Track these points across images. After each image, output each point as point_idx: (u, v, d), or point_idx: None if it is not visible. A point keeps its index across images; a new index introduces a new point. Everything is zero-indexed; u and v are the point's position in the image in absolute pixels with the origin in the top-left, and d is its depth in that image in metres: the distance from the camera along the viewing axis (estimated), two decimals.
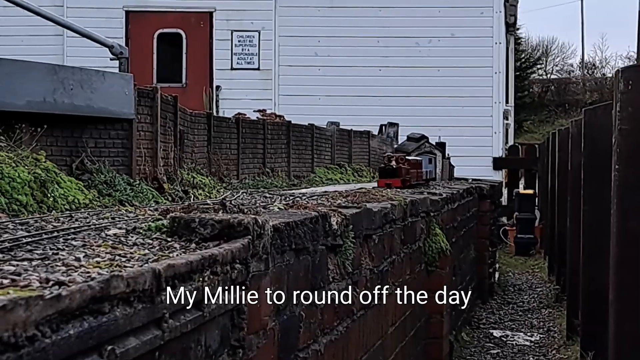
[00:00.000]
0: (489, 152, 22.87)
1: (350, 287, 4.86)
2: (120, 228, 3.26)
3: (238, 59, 23.37)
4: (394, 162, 7.66)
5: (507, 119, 25.04)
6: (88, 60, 16.65)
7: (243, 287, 3.00)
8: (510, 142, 26.60)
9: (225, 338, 2.91)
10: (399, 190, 8.53)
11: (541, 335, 11.93)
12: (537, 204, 21.65)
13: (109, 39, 14.87)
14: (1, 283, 2.00)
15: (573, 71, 48.77)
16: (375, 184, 10.44)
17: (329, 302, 4.42)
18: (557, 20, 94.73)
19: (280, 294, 3.54)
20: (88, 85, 6.35)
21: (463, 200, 11.75)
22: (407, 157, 7.78)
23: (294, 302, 3.79)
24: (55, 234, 3.03)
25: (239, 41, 23.41)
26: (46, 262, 2.35)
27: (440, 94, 22.50)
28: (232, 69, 23.17)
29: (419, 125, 20.05)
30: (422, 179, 8.23)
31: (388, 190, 9.35)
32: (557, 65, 49.83)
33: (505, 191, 22.77)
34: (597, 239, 7.52)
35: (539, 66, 47.64)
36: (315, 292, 4.17)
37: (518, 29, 28.63)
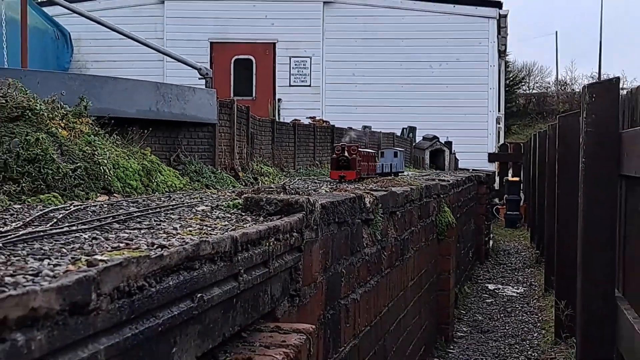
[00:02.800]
0: (485, 148, 22.80)
1: (379, 251, 4.86)
2: (206, 205, 3.27)
3: (294, 78, 23.42)
4: (347, 153, 5.77)
5: (499, 124, 24.94)
6: (182, 79, 16.73)
7: (299, 250, 3.01)
8: (501, 141, 26.49)
9: (286, 289, 2.92)
10: (417, 176, 8.46)
11: (525, 288, 11.89)
12: (521, 188, 21.54)
13: (198, 63, 14.92)
14: (118, 246, 2.02)
15: (549, 87, 48.41)
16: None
17: (363, 262, 4.42)
18: (537, 49, 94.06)
19: (326, 255, 3.55)
20: (182, 98, 6.40)
21: (465, 185, 11.73)
22: (359, 149, 6.02)
23: (337, 262, 3.79)
24: (158, 209, 3.05)
25: (295, 64, 23.45)
26: (151, 231, 2.37)
27: (448, 104, 22.47)
28: (290, 85, 23.22)
29: (432, 128, 20.12)
30: (376, 172, 6.49)
31: (407, 174, 9.35)
32: (537, 83, 49.50)
33: (497, 178, 22.69)
34: (567, 214, 7.49)
35: (523, 83, 47.36)
36: (353, 255, 4.17)
37: (507, 55, 28.36)
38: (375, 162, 6.32)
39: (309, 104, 21.91)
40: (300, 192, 3.77)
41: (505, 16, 24.05)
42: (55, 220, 2.59)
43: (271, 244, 2.64)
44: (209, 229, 2.47)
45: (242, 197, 3.24)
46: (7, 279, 1.51)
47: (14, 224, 2.48)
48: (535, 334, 8.73)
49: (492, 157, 22.99)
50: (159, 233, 2.31)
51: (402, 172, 7.21)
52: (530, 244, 17.05)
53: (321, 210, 3.33)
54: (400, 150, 7.12)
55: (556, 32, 71.89)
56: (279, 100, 21.82)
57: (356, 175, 5.73)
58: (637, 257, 4.39)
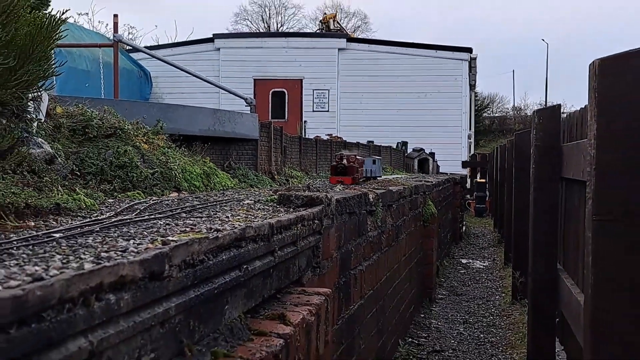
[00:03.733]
0: (459, 157, 22.82)
1: (380, 234, 4.87)
2: (250, 200, 3.29)
3: (316, 105, 23.48)
4: (345, 161, 5.41)
5: (470, 139, 24.87)
6: (233, 106, 16.77)
7: (319, 234, 3.02)
8: (472, 152, 26.40)
9: (309, 262, 2.93)
10: (400, 178, 8.46)
11: (489, 262, 11.85)
12: (487, 187, 21.46)
13: (245, 94, 14.96)
14: (185, 230, 2.03)
15: (508, 112, 48.25)
16: (392, 176, 10.36)
17: (367, 243, 4.43)
18: (499, 83, 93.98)
19: (340, 237, 3.55)
20: (233, 120, 6.44)
21: (444, 185, 11.70)
22: (357, 157, 5.62)
23: (348, 242, 3.80)
24: (215, 203, 3.06)
25: (317, 95, 23.52)
26: (210, 218, 2.39)
27: (431, 124, 22.56)
28: (313, 111, 23.28)
29: (419, 142, 20.11)
30: (363, 177, 5.89)
31: (401, 177, 9.43)
32: (498, 108, 49.35)
33: (469, 180, 22.61)
34: (521, 206, 7.46)
35: (488, 109, 47.22)
36: (360, 237, 4.18)
37: (476, 87, 28.25)
38: (363, 167, 5.80)
39: (327, 124, 21.97)
40: (320, 190, 3.78)
41: (474, 59, 24.05)
42: (138, 210, 2.61)
43: (298, 228, 2.65)
44: (253, 217, 2.49)
45: (277, 194, 3.25)
46: (102, 254, 1.53)
47: (107, 213, 2.50)
48: (497, 297, 8.71)
49: (465, 164, 23.01)
50: (216, 220, 2.33)
51: (380, 176, 6.64)
52: (493, 229, 16.99)
53: (336, 204, 3.34)
54: (378, 159, 6.56)
55: (513, 71, 71.97)
56: (305, 121, 21.85)
57: (352, 180, 5.24)
58: (572, 239, 4.38)
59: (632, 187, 2.39)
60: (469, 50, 23.67)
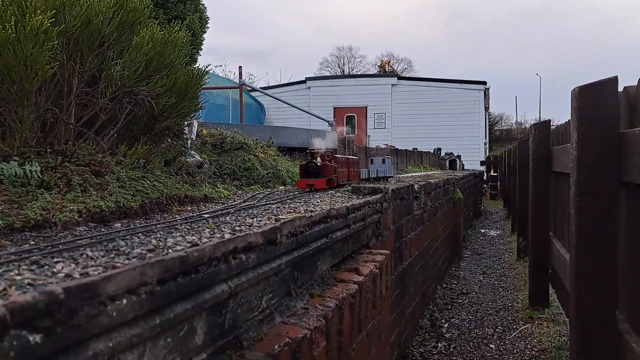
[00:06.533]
0: (478, 158, 22.16)
1: (422, 213, 4.79)
2: (335, 192, 3.30)
3: (376, 124, 23.27)
4: (319, 159, 3.26)
5: (485, 145, 24.13)
6: (319, 126, 16.84)
7: (380, 213, 3.01)
8: (487, 154, 25.58)
9: (374, 232, 2.92)
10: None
11: (500, 231, 11.48)
12: (498, 178, 20.80)
13: (327, 117, 14.95)
14: (290, 211, 2.05)
15: (513, 125, 46.53)
16: (430, 172, 10.17)
17: (414, 219, 4.37)
18: (506, 105, 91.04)
19: (395, 215, 3.52)
20: (319, 136, 6.45)
21: (468, 178, 11.39)
22: (335, 155, 3.50)
23: (400, 219, 3.77)
24: (309, 194, 3.09)
25: (377, 117, 23.32)
26: (306, 203, 2.40)
27: (458, 135, 22.14)
28: (374, 128, 23.07)
29: (450, 148, 19.75)
30: (360, 178, 4.01)
31: (436, 173, 9.36)
32: (505, 123, 47.60)
33: (485, 174, 21.93)
34: (523, 191, 7.20)
35: (498, 124, 45.68)
36: (408, 215, 4.13)
37: (489, 108, 27.45)
38: (358, 168, 3.98)
39: (385, 137, 21.73)
40: (381, 183, 3.76)
41: (488, 88, 23.42)
42: (258, 198, 2.65)
43: (366, 209, 2.64)
44: (334, 202, 2.50)
45: (351, 186, 3.25)
46: (236, 227, 1.56)
47: (238, 200, 2.55)
48: (506, 255, 8.43)
49: (482, 163, 22.30)
50: (311, 204, 2.35)
51: (391, 176, 4.80)
52: (503, 208, 16.45)
53: (391, 192, 3.31)
54: (388, 158, 4.87)
55: (516, 97, 69.37)
56: (369, 136, 21.67)
57: (327, 183, 3.18)
58: (560, 214, 4.21)
59: (601, 176, 2.37)
60: (484, 82, 23.12)
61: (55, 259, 1.08)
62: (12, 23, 1.47)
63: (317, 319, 1.61)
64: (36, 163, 1.69)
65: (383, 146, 13.19)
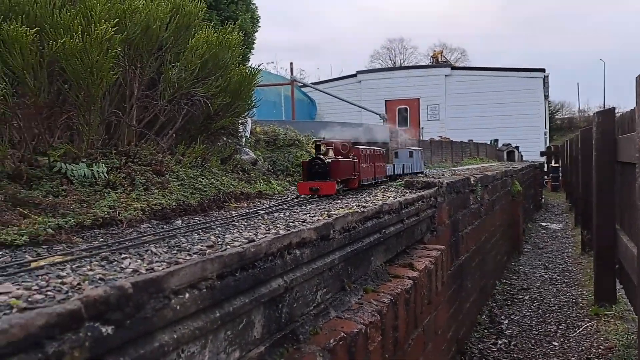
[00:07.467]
0: (538, 149, 21.44)
1: (479, 206, 4.70)
2: (387, 186, 3.29)
3: (429, 116, 22.93)
4: (330, 153, 2.38)
5: (546, 135, 23.31)
6: (370, 120, 16.77)
7: (434, 207, 2.98)
8: (547, 144, 24.69)
9: (429, 227, 2.90)
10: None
11: (563, 224, 11.08)
12: (559, 169, 20.04)
13: (379, 110, 14.87)
14: (342, 207, 2.07)
15: (575, 113, 44.64)
16: (487, 164, 9.93)
17: (470, 213, 4.30)
18: (567, 92, 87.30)
19: (450, 209, 3.48)
20: (372, 131, 6.45)
21: (527, 169, 11.06)
22: (357, 146, 2.70)
23: (456, 213, 3.72)
24: (367, 189, 3.09)
25: (430, 109, 22.98)
26: (357, 199, 2.42)
27: (516, 125, 21.53)
28: (427, 120, 22.75)
29: (507, 139, 19.24)
30: (386, 175, 3.27)
31: (494, 165, 9.16)
32: (567, 111, 45.71)
33: (546, 165, 21.17)
34: (587, 182, 6.93)
35: (558, 112, 43.93)
36: (465, 209, 4.07)
37: (549, 97, 26.47)
38: (384, 163, 3.21)
39: (438, 129, 21.36)
40: (435, 177, 3.72)
41: (547, 76, 22.58)
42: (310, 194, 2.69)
43: (419, 204, 2.63)
44: (387, 197, 2.50)
45: (404, 180, 3.23)
46: (290, 223, 1.60)
47: (291, 196, 2.60)
48: (570, 250, 8.14)
49: (542, 154, 21.55)
50: (364, 200, 2.36)
51: (421, 172, 3.99)
52: (565, 200, 15.86)
53: (446, 186, 3.27)
54: (417, 150, 3.89)
55: (577, 84, 66.50)
56: (422, 127, 21.39)
57: (337, 187, 2.36)
58: (626, 206, 4.03)
59: None
60: (542, 70, 22.34)
61: (123, 255, 1.15)
62: (79, 33, 1.57)
63: (371, 314, 1.63)
64: (102, 164, 1.79)
65: (437, 138, 13.00)
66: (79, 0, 1.81)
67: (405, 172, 3.73)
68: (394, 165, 3.53)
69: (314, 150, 2.67)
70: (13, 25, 1.59)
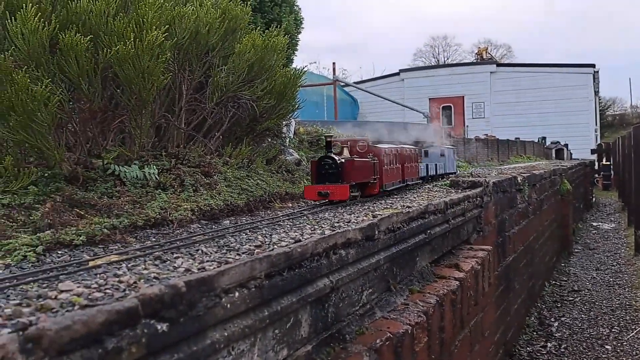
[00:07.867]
0: (588, 146, 20.74)
1: (527, 206, 4.59)
2: (431, 185, 3.26)
3: (474, 114, 22.52)
4: (345, 152, 2.10)
5: (596, 132, 22.51)
6: (413, 119, 16.60)
7: (481, 207, 2.94)
8: (598, 141, 23.84)
9: (475, 227, 2.86)
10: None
11: (615, 224, 10.67)
12: (611, 168, 19.31)
13: (422, 109, 14.70)
14: (386, 207, 2.06)
15: (627, 110, 42.86)
16: (534, 163, 9.65)
17: (517, 212, 4.20)
18: (618, 88, 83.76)
19: (497, 209, 3.42)
20: (415, 130, 6.39)
21: (577, 167, 10.71)
22: (377, 145, 2.31)
23: (503, 213, 3.64)
24: (405, 190, 3.07)
25: (475, 107, 22.58)
26: (402, 199, 2.40)
27: (565, 123, 20.92)
28: (472, 118, 22.36)
29: (555, 137, 18.78)
30: (419, 177, 2.99)
31: (542, 163, 8.93)
32: (619, 107, 43.95)
33: (596, 163, 20.45)
34: (638, 181, 6.66)
35: (610, 108, 42.29)
36: (512, 208, 3.98)
37: (599, 93, 25.58)
38: (417, 163, 2.89)
39: (483, 127, 20.95)
40: (480, 176, 3.66)
41: (597, 71, 21.83)
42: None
43: (465, 204, 2.60)
44: (432, 197, 2.47)
45: (449, 179, 3.19)
46: (335, 224, 1.61)
47: None
48: (622, 251, 7.84)
49: (592, 151, 20.84)
50: (408, 200, 2.35)
51: (454, 172, 3.70)
52: (617, 199, 15.27)
53: (492, 185, 3.21)
54: (449, 149, 3.60)
55: (630, 79, 63.94)
56: (467, 126, 21.02)
57: (352, 192, 2.10)
58: None
59: None
60: (592, 65, 21.61)
61: (175, 255, 1.19)
62: (132, 39, 1.63)
63: (417, 314, 1.62)
64: (153, 166, 1.85)
65: (482, 136, 12.75)
66: (132, 7, 1.87)
67: (437, 173, 3.42)
68: (427, 166, 3.20)
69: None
70: (69, 34, 1.66)
